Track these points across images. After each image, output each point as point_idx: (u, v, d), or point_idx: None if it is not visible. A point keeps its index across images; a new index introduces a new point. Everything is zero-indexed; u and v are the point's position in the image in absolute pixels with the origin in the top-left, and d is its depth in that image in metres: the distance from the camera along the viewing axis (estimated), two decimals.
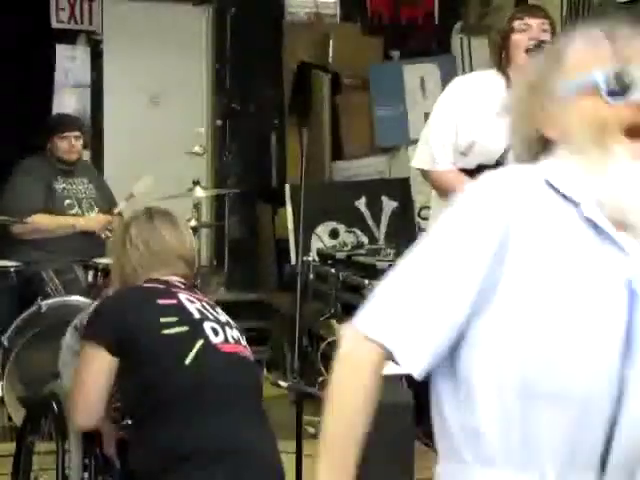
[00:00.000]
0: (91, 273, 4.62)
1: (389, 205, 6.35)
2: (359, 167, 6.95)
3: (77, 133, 5.02)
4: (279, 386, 5.99)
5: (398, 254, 5.00)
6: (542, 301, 1.36)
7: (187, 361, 2.38)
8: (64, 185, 4.99)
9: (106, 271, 4.51)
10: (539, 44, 3.34)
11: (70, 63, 6.68)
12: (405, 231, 6.18)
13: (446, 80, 4.60)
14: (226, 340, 2.47)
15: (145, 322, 2.44)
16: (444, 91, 3.81)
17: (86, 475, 2.84)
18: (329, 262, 5.76)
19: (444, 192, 3.60)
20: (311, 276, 5.73)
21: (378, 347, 1.39)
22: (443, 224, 1.45)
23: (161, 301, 2.47)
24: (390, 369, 1.44)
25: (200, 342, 2.41)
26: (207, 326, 2.46)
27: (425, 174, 3.80)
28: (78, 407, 2.53)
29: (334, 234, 6.37)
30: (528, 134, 1.51)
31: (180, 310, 2.46)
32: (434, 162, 3.65)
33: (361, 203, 6.46)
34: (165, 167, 6.53)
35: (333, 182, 6.98)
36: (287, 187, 6.44)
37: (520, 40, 3.44)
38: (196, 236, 5.17)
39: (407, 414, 3.18)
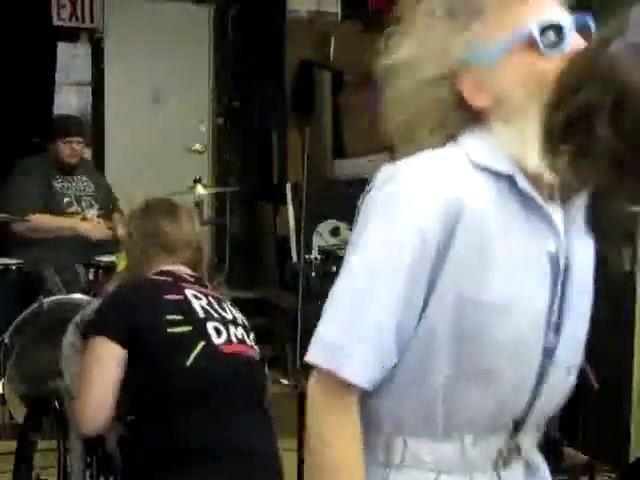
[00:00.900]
0: (92, 271, 4.61)
1: None
2: (361, 165, 6.95)
3: (80, 139, 5.03)
4: (281, 384, 6.00)
5: None
6: (476, 280, 1.34)
7: (188, 362, 2.36)
8: (63, 183, 5.00)
9: (107, 269, 4.51)
10: None
11: (71, 61, 6.68)
12: None
13: None
14: (229, 340, 2.44)
15: (152, 318, 2.40)
16: None
17: (88, 473, 2.84)
18: (330, 260, 5.75)
19: None
20: (313, 274, 5.73)
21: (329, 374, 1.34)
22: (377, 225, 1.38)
23: (168, 296, 2.45)
24: None
25: (202, 343, 2.39)
26: (210, 326, 2.43)
27: None
28: (88, 408, 2.41)
29: (335, 232, 6.36)
30: (444, 113, 1.41)
31: (186, 307, 2.44)
32: None
33: None
34: (166, 165, 6.53)
35: (334, 180, 6.97)
36: (288, 185, 6.43)
37: None
38: None
39: None
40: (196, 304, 2.46)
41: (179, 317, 2.41)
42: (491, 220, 1.35)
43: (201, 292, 2.53)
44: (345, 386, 1.33)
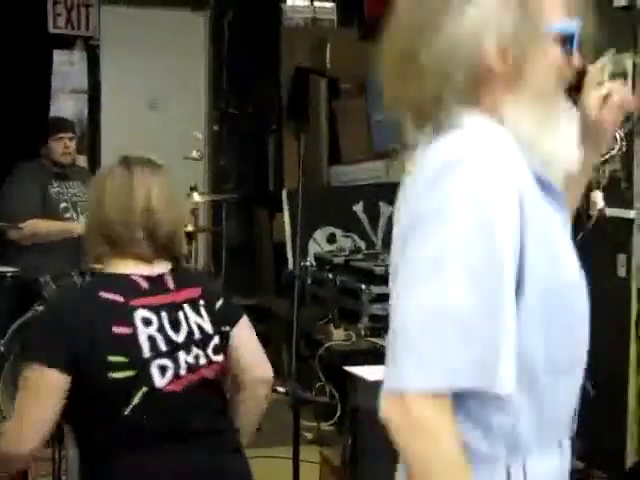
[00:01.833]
0: (87, 278, 4.61)
1: (386, 210, 6.35)
2: (356, 172, 6.95)
3: (71, 134, 5.08)
4: (276, 391, 5.99)
5: None
6: (552, 264, 1.33)
7: (126, 412, 2.12)
8: (59, 189, 5.01)
9: None
10: None
11: (67, 68, 6.68)
12: None
13: None
14: (176, 375, 2.18)
15: (95, 356, 2.09)
16: None
17: None
18: (326, 267, 5.76)
19: None
20: (309, 281, 5.73)
21: (442, 397, 1.25)
22: (441, 219, 1.27)
23: (115, 329, 2.12)
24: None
25: (143, 390, 2.14)
26: (155, 366, 2.15)
27: None
28: (20, 437, 2.15)
29: (331, 239, 6.37)
30: (464, 65, 1.34)
31: (131, 346, 2.14)
32: None
33: (358, 208, 6.46)
34: None
35: (330, 187, 6.98)
36: (284, 192, 6.44)
37: None
38: (193, 241, 5.17)
39: None
40: (143, 337, 2.15)
41: (122, 359, 2.12)
42: (538, 203, 1.34)
43: (153, 307, 2.20)
44: (445, 400, 1.26)
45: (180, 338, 2.22)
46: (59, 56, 6.62)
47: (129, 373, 2.12)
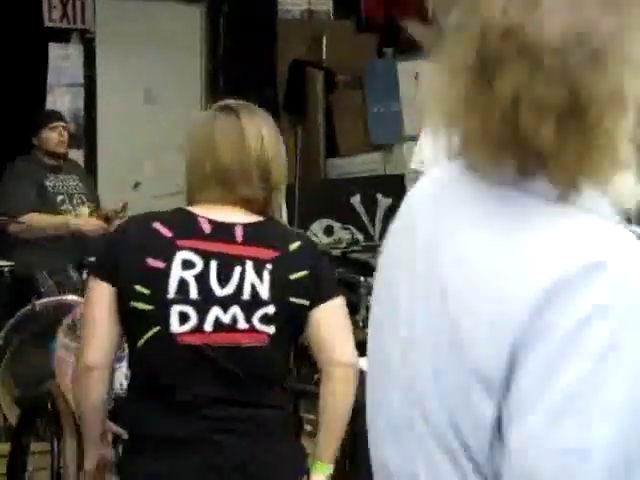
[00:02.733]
0: (84, 273, 4.61)
1: (384, 202, 6.35)
2: (354, 164, 6.95)
3: (64, 124, 5.11)
4: None
5: None
6: None
7: (139, 344, 2.11)
8: (55, 182, 5.02)
9: None
10: None
11: (63, 62, 6.66)
12: None
13: None
14: (198, 328, 2.09)
15: (127, 281, 2.11)
16: None
17: (81, 475, 2.83)
18: None
19: None
20: None
21: None
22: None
23: (150, 260, 2.10)
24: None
25: (156, 329, 2.09)
26: (175, 310, 2.09)
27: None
28: (88, 343, 2.17)
29: (329, 231, 6.37)
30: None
31: (158, 281, 2.09)
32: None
33: (356, 200, 6.45)
34: (159, 166, 6.51)
35: (328, 179, 6.98)
36: None
37: None
38: None
39: None
40: (174, 277, 2.09)
41: (146, 291, 2.10)
42: None
43: (204, 252, 2.11)
44: None
45: (223, 293, 2.11)
46: (55, 50, 6.59)
47: (148, 307, 2.10)
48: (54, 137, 5.02)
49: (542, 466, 1.01)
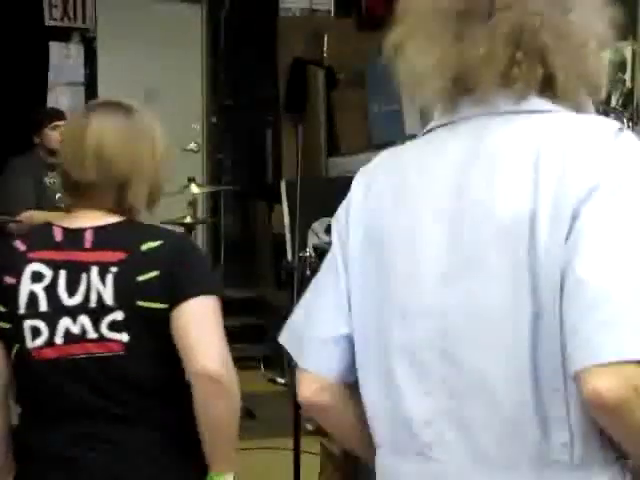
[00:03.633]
0: None
1: None
2: (355, 163, 6.93)
3: (65, 122, 5.11)
4: (276, 383, 5.99)
5: None
6: None
7: (13, 363, 2.04)
8: (54, 179, 5.03)
9: None
10: None
11: (64, 61, 6.66)
12: None
13: None
14: (49, 342, 1.97)
15: None
16: None
17: None
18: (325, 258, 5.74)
19: None
20: (308, 272, 5.71)
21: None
22: None
23: (6, 278, 2.00)
24: None
25: (17, 347, 2.00)
26: (27, 326, 1.98)
27: None
28: None
29: (330, 230, 6.36)
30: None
31: (11, 298, 1.99)
32: None
33: None
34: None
35: (329, 178, 6.97)
36: (283, 183, 6.42)
37: None
38: (192, 234, 5.16)
39: None
40: (24, 292, 1.99)
41: (3, 310, 2.00)
42: None
43: (53, 263, 2.00)
44: None
45: (71, 302, 1.98)
46: (55, 48, 6.60)
47: (7, 325, 2.00)
48: (56, 135, 5.03)
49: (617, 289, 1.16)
